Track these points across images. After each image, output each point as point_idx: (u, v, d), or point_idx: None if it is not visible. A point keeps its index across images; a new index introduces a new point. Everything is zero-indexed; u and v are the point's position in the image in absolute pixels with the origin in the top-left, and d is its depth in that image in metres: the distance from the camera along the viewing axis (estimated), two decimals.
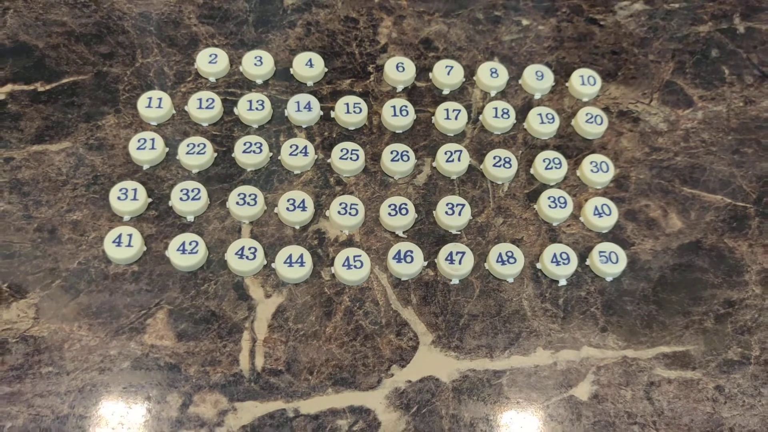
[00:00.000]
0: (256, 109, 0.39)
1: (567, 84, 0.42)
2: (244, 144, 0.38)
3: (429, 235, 0.37)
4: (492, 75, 0.42)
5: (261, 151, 0.38)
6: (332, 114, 0.40)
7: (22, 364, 0.32)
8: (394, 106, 0.40)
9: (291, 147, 0.38)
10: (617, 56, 0.44)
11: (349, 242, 0.36)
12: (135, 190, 0.36)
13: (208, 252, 0.35)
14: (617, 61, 0.44)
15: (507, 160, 0.39)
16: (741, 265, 0.37)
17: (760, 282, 0.37)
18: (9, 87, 0.39)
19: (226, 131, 0.39)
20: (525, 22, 0.45)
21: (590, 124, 0.41)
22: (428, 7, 0.45)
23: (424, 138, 0.40)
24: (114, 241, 0.35)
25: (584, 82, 0.42)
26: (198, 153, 0.38)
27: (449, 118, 0.40)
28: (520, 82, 0.42)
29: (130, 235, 0.35)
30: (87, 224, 0.36)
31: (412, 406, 0.33)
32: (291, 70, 0.41)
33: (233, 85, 0.41)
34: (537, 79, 0.42)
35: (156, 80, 0.40)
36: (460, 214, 0.37)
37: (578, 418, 0.33)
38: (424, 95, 0.41)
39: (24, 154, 0.37)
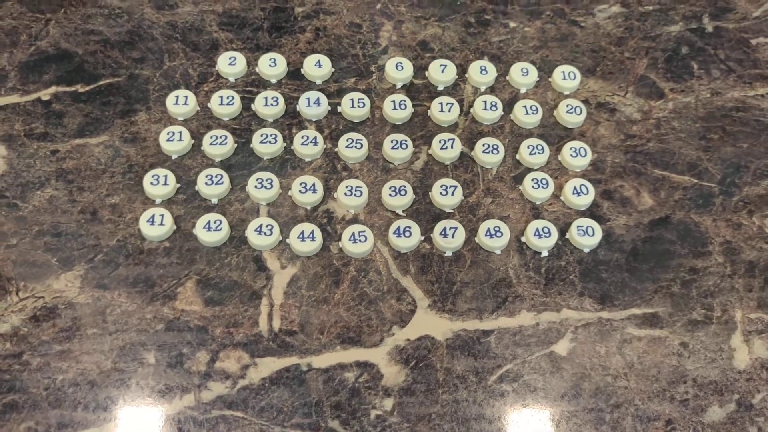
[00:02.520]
0: (271, 105, 0.43)
1: (550, 79, 0.46)
2: (261, 135, 0.42)
3: (425, 214, 0.41)
4: (482, 72, 0.46)
5: (276, 141, 0.42)
6: (339, 108, 0.44)
7: (70, 327, 0.36)
8: (393, 101, 0.44)
9: (302, 138, 0.42)
10: (596, 54, 0.48)
11: (354, 220, 0.40)
12: (165, 176, 0.41)
13: (231, 229, 0.40)
14: (596, 58, 0.47)
15: (495, 147, 0.43)
16: (705, 237, 0.41)
17: (722, 252, 0.41)
18: (53, 89, 0.44)
19: (244, 125, 0.43)
20: (512, 24, 0.49)
21: (570, 114, 0.44)
22: (425, 12, 0.49)
23: (420, 129, 0.44)
24: (148, 221, 0.39)
25: (565, 77, 0.46)
26: (220, 144, 0.42)
27: (443, 110, 0.44)
28: (507, 78, 0.46)
29: (162, 216, 0.39)
30: (124, 207, 0.40)
31: (411, 361, 0.37)
32: (302, 70, 0.45)
33: (250, 84, 0.45)
34: (522, 75, 0.46)
35: (182, 81, 0.45)
36: (453, 194, 0.41)
37: (558, 370, 0.37)
38: (420, 91, 0.45)
39: (68, 147, 0.42)
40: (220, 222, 0.39)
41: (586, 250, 0.40)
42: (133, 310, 0.37)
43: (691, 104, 0.46)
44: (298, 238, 0.39)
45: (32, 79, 0.44)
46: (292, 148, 0.42)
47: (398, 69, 0.45)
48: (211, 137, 0.42)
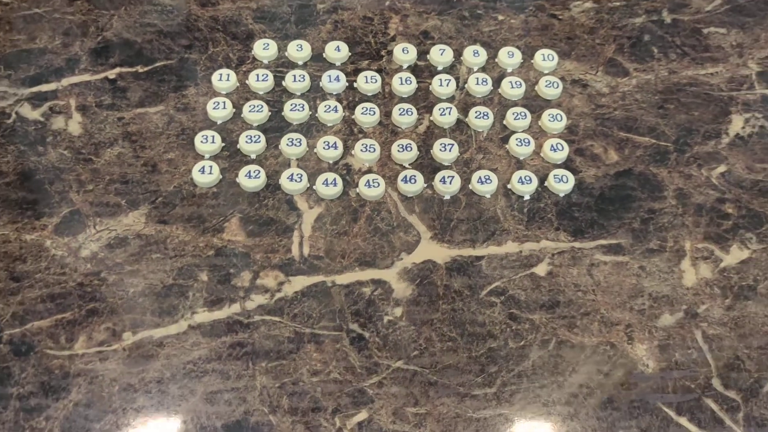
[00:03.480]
0: (299, 81, 0.52)
1: (532, 61, 0.54)
2: (291, 105, 0.50)
3: (428, 166, 0.49)
4: (474, 55, 0.54)
5: (303, 109, 0.50)
6: (355, 84, 0.52)
7: (138, 252, 0.44)
8: (401, 77, 0.52)
9: (325, 107, 0.51)
10: (571, 41, 0.56)
11: (368, 171, 0.48)
12: (213, 136, 0.49)
13: (267, 178, 0.48)
14: (571, 44, 0.56)
15: (485, 114, 0.51)
16: (662, 185, 0.49)
17: (675, 197, 0.48)
18: (117, 69, 0.52)
19: (277, 97, 0.52)
20: (501, 17, 0.57)
21: (549, 88, 0.52)
22: (426, 8, 0.57)
23: (423, 100, 0.52)
24: (199, 171, 0.47)
25: (545, 58, 0.54)
26: (257, 111, 0.50)
27: (442, 85, 0.52)
28: (496, 60, 0.54)
29: (211, 167, 0.47)
30: (178, 161, 0.48)
31: (416, 279, 0.44)
32: (324, 54, 0.54)
33: (281, 66, 0.53)
34: (509, 57, 0.54)
35: (224, 63, 0.53)
36: (450, 150, 0.49)
37: (537, 287, 0.44)
38: (423, 71, 0.54)
39: (132, 115, 0.50)
40: (259, 171, 0.47)
41: (562, 195, 0.48)
42: (189, 240, 0.45)
43: (651, 81, 0.54)
44: (323, 184, 0.47)
45: (100, 61, 0.53)
46: (316, 115, 0.51)
47: (404, 53, 0.54)
48: (250, 106, 0.50)
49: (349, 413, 0.40)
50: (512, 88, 0.52)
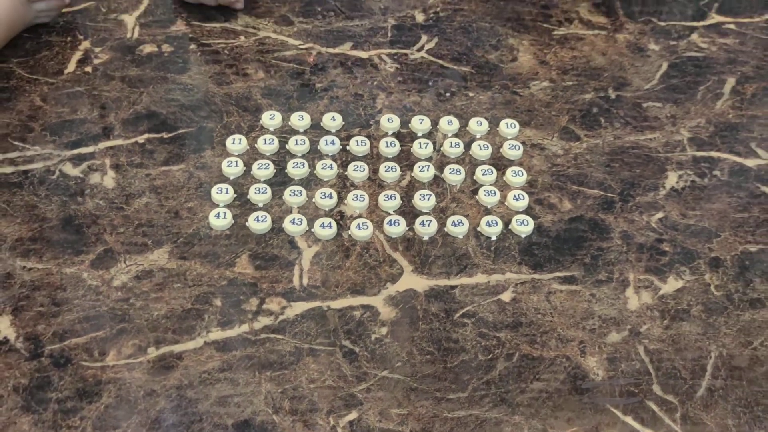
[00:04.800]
0: (300, 144, 0.60)
1: (497, 128, 0.63)
2: (293, 163, 0.59)
3: (409, 213, 0.56)
4: (449, 124, 0.63)
5: (303, 167, 0.58)
6: (348, 147, 0.61)
7: (161, 282, 0.51)
8: (386, 141, 0.61)
9: (322, 165, 0.59)
10: (531, 112, 0.65)
11: (359, 217, 0.56)
12: (227, 188, 0.56)
13: (272, 222, 0.55)
14: (531, 115, 0.65)
15: (458, 170, 0.59)
16: (609, 228, 0.56)
17: (620, 238, 0.56)
18: (146, 135, 0.61)
19: (281, 157, 0.60)
20: (471, 94, 0.66)
21: (512, 150, 0.61)
22: (408, 86, 0.67)
23: (406, 160, 0.60)
24: (215, 216, 0.55)
25: (508, 126, 0.63)
26: (264, 168, 0.58)
27: (421, 147, 0.61)
28: (467, 128, 0.63)
29: (225, 213, 0.55)
30: (197, 208, 0.56)
31: (399, 304, 0.51)
32: (321, 123, 0.63)
33: (285, 132, 0.62)
34: (477, 125, 0.63)
35: (236, 130, 0.62)
36: (428, 200, 0.57)
37: (503, 311, 0.51)
38: (405, 136, 0.62)
39: (157, 172, 0.58)
40: (266, 216, 0.55)
41: (523, 236, 0.56)
42: (205, 272, 0.52)
43: (599, 144, 0.63)
44: (320, 227, 0.54)
45: (131, 129, 0.61)
46: (315, 172, 0.59)
47: (389, 122, 0.62)
48: (258, 164, 0.58)
49: (341, 414, 0.46)
50: (480, 150, 0.61)
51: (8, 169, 0.57)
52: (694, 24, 0.75)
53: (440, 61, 0.69)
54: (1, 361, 0.47)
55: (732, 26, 0.75)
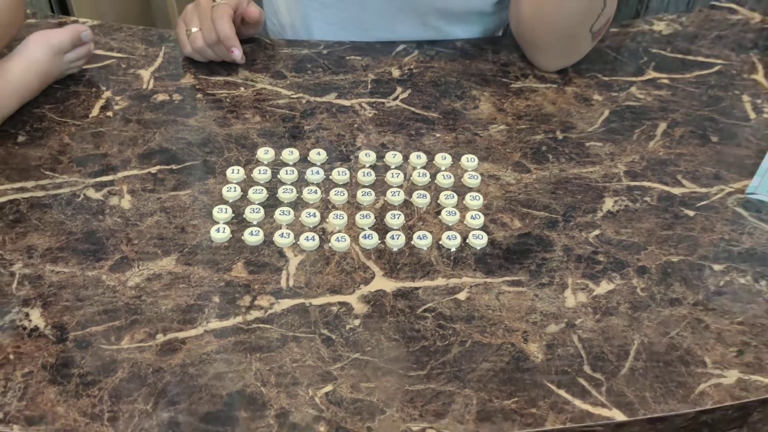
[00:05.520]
0: (290, 174, 0.70)
1: (459, 162, 0.73)
2: (283, 189, 0.68)
3: (381, 229, 0.66)
4: (417, 158, 0.73)
5: (292, 192, 0.68)
6: (330, 177, 0.70)
7: (169, 283, 0.60)
8: (363, 172, 0.70)
9: (308, 190, 0.68)
10: (489, 150, 0.75)
11: (338, 232, 0.65)
12: (226, 208, 0.66)
13: (264, 236, 0.64)
14: (488, 152, 0.75)
15: (425, 195, 0.69)
16: (552, 243, 0.65)
17: (561, 250, 0.65)
18: (158, 167, 0.71)
19: (273, 185, 0.69)
20: (438, 135, 0.77)
21: (471, 179, 0.71)
22: (384, 129, 0.77)
23: (380, 187, 0.70)
24: (216, 230, 0.64)
25: (469, 160, 0.73)
26: (259, 193, 0.68)
27: (394, 177, 0.70)
28: (433, 161, 0.73)
29: (224, 228, 0.64)
30: (200, 225, 0.65)
31: (371, 301, 0.59)
32: (308, 157, 0.72)
33: (277, 165, 0.72)
34: (442, 159, 0.73)
35: (235, 162, 0.71)
36: (398, 219, 0.66)
37: (459, 307, 0.59)
38: (380, 168, 0.72)
39: (167, 196, 0.67)
40: (259, 231, 0.64)
41: (478, 248, 0.65)
42: (206, 276, 0.61)
43: (546, 176, 0.72)
44: (305, 240, 0.64)
45: (145, 162, 0.71)
46: (301, 197, 0.68)
47: (367, 156, 0.72)
48: (253, 189, 0.68)
49: (319, 386, 0.54)
50: (444, 179, 0.71)
51: (40, 194, 0.67)
52: (634, 79, 0.86)
53: (412, 108, 0.79)
54: (32, 344, 0.55)
55: (666, 81, 0.86)
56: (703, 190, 0.72)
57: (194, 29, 0.79)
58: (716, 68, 0.89)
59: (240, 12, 0.81)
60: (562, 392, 0.54)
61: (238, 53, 0.79)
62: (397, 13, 0.88)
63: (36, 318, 0.57)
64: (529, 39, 0.84)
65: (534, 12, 0.81)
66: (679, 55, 0.91)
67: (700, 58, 0.90)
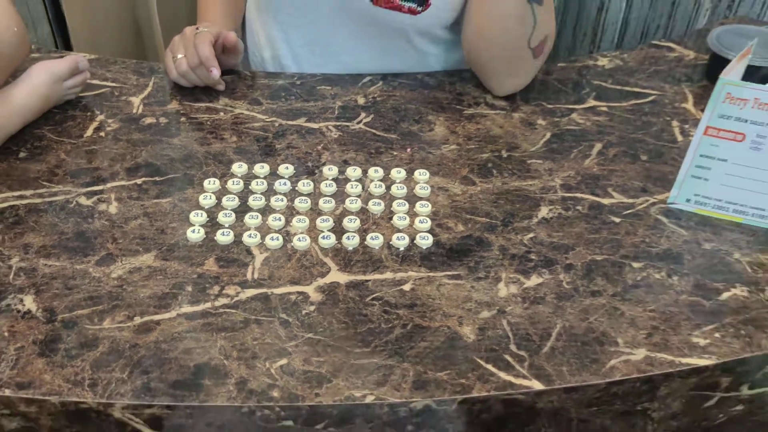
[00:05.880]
0: (260, 185, 0.78)
1: (412, 176, 0.81)
2: (253, 197, 0.76)
3: (339, 232, 0.73)
4: (375, 172, 0.81)
5: (261, 200, 0.76)
6: (296, 187, 0.79)
7: (148, 275, 0.67)
8: (326, 183, 0.79)
9: (276, 198, 0.76)
10: (439, 166, 0.83)
11: (301, 233, 0.73)
12: (202, 213, 0.74)
13: (234, 237, 0.72)
14: (439, 167, 0.83)
15: (379, 203, 0.77)
16: (491, 243, 0.73)
17: (498, 250, 0.73)
18: (143, 179, 0.79)
19: (245, 194, 0.78)
20: (395, 153, 0.85)
21: (422, 190, 0.79)
22: (346, 147, 0.86)
23: (340, 196, 0.78)
24: (191, 231, 0.72)
25: (421, 174, 0.81)
26: (231, 201, 0.76)
27: (353, 188, 0.79)
28: (389, 175, 0.81)
29: (199, 230, 0.72)
30: (178, 227, 0.73)
31: (326, 291, 0.67)
32: (277, 171, 0.81)
33: (249, 177, 0.80)
34: (397, 173, 0.81)
35: (212, 175, 0.80)
36: (354, 223, 0.74)
37: (403, 296, 0.67)
38: (341, 181, 0.80)
39: (150, 203, 0.76)
40: (230, 232, 0.72)
41: (424, 248, 0.72)
42: (181, 269, 0.68)
43: (490, 188, 0.81)
44: (270, 239, 0.71)
45: (132, 174, 0.79)
46: (270, 204, 0.76)
47: (330, 170, 0.81)
48: (227, 197, 0.76)
49: (275, 360, 0.61)
50: (398, 190, 0.79)
51: (37, 200, 0.75)
52: (575, 106, 0.95)
53: (373, 131, 0.88)
54: (25, 324, 0.62)
55: (604, 108, 0.95)
56: (630, 200, 0.81)
57: (179, 56, 0.89)
58: (651, 98, 0.98)
59: (220, 41, 0.91)
60: (489, 366, 0.62)
61: (216, 72, 0.88)
62: (362, 37, 0.98)
63: (29, 303, 0.64)
64: (476, 61, 0.94)
65: (475, 35, 0.92)
66: (619, 87, 1.00)
67: (637, 89, 1.00)
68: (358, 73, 0.98)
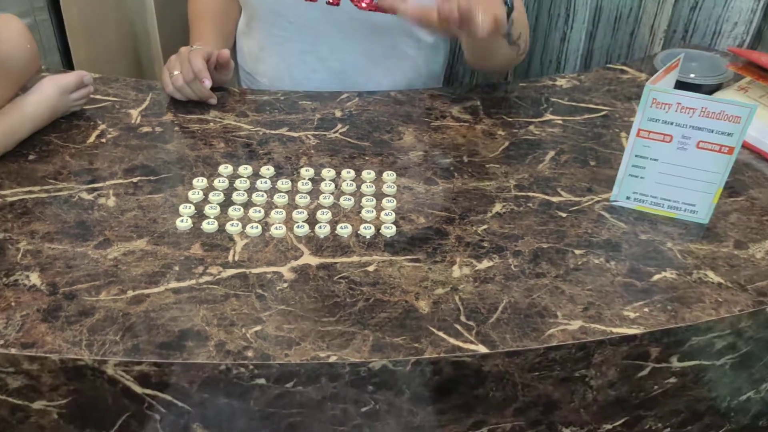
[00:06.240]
0: (243, 183, 0.86)
1: (381, 177, 0.90)
2: (237, 193, 0.84)
3: (313, 222, 0.81)
4: (347, 173, 0.89)
5: (244, 196, 0.84)
6: (275, 185, 0.87)
7: (140, 257, 0.75)
8: (302, 182, 0.87)
9: (257, 194, 0.85)
10: (406, 169, 0.92)
11: (277, 224, 0.81)
12: (190, 206, 0.82)
13: (219, 226, 0.80)
14: (406, 171, 0.91)
15: (350, 199, 0.85)
16: (448, 233, 0.81)
17: (454, 239, 0.80)
18: (138, 177, 0.87)
19: (229, 191, 0.86)
20: (366, 158, 0.94)
21: (389, 188, 0.87)
22: (323, 153, 0.94)
23: (316, 194, 0.86)
24: (180, 221, 0.79)
25: (389, 175, 0.89)
26: (217, 196, 0.84)
27: (327, 186, 0.87)
28: (360, 176, 0.90)
29: (187, 220, 0.80)
30: (169, 218, 0.81)
31: (298, 271, 0.75)
32: (260, 172, 0.89)
33: (234, 177, 0.88)
34: (368, 174, 0.89)
35: (200, 174, 0.88)
36: (326, 215, 0.82)
37: (367, 276, 0.74)
38: (317, 181, 0.89)
39: (144, 198, 0.84)
40: (214, 222, 0.80)
41: (388, 237, 0.80)
42: (170, 252, 0.76)
43: (451, 188, 0.89)
44: (250, 228, 0.79)
45: (129, 174, 0.87)
46: (251, 200, 0.84)
47: (306, 172, 0.89)
48: (213, 193, 0.84)
49: (250, 327, 0.68)
50: (367, 189, 0.87)
51: (44, 195, 0.83)
52: (533, 120, 1.04)
53: (348, 139, 0.97)
54: (30, 296, 0.70)
55: (559, 121, 1.04)
56: (577, 198, 0.89)
57: (176, 72, 0.98)
58: (603, 113, 1.07)
59: (214, 58, 1.00)
60: (441, 333, 0.69)
61: (207, 83, 0.97)
62: (350, 43, 1.09)
63: (34, 278, 0.72)
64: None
65: (472, 59, 1.09)
66: (574, 103, 1.09)
67: (591, 105, 1.09)
68: (345, 78, 1.09)
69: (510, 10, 0.91)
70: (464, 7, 0.75)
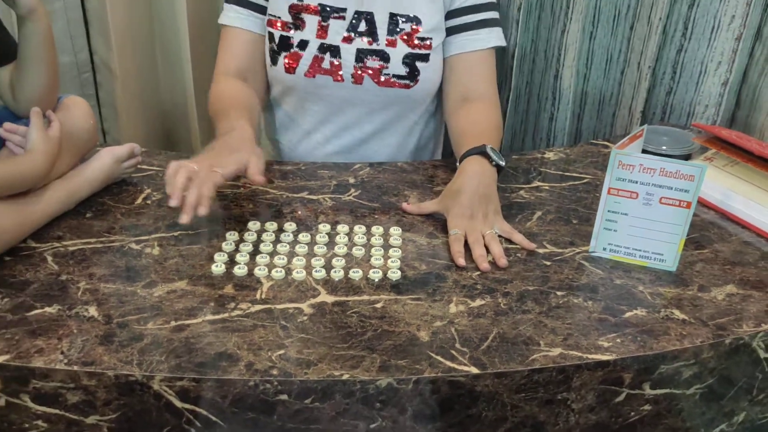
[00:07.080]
0: (269, 236, 0.98)
1: (388, 232, 1.01)
2: (263, 245, 0.96)
3: (329, 268, 0.92)
4: (359, 228, 1.01)
5: (269, 246, 0.96)
6: (297, 239, 0.98)
7: (181, 295, 0.86)
8: (320, 235, 0.99)
9: (280, 245, 0.96)
10: (412, 225, 1.03)
11: (298, 269, 0.92)
12: (224, 254, 0.93)
13: (248, 271, 0.91)
14: (411, 226, 1.03)
15: (361, 249, 0.96)
16: (446, 278, 0.92)
17: (451, 282, 0.91)
18: (178, 232, 0.99)
19: (257, 243, 0.97)
20: (376, 216, 1.06)
21: (395, 241, 0.98)
22: (338, 212, 1.06)
23: (331, 246, 0.98)
24: (215, 266, 0.91)
25: (395, 230, 1.01)
26: (246, 246, 0.96)
27: (341, 239, 0.98)
28: (370, 231, 1.01)
29: (221, 266, 0.91)
30: (205, 265, 0.92)
31: (317, 307, 0.85)
32: (283, 227, 1.01)
33: (261, 232, 1.00)
34: (377, 229, 1.01)
35: (232, 229, 1.00)
36: (340, 262, 0.93)
37: (375, 311, 0.85)
38: (333, 235, 1.00)
39: (184, 248, 0.95)
40: (244, 267, 0.91)
41: (394, 280, 0.91)
42: (206, 292, 0.87)
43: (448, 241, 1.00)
44: (275, 272, 0.90)
45: (170, 229, 1.00)
46: (276, 249, 0.96)
47: (323, 227, 1.01)
48: (243, 244, 0.96)
49: (275, 351, 0.78)
50: (376, 241, 0.99)
51: (99, 246, 0.95)
52: (523, 186, 1.16)
53: (360, 201, 1.09)
54: (89, 325, 0.81)
55: (546, 187, 1.16)
56: (560, 250, 1.00)
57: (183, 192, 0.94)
58: (585, 180, 1.19)
59: (247, 171, 0.99)
60: (438, 357, 0.79)
61: (185, 218, 0.92)
62: (369, 113, 1.26)
63: (93, 311, 0.83)
64: None
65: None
66: (560, 172, 1.22)
67: (575, 174, 1.21)
68: (363, 141, 1.26)
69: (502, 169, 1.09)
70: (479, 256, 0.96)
